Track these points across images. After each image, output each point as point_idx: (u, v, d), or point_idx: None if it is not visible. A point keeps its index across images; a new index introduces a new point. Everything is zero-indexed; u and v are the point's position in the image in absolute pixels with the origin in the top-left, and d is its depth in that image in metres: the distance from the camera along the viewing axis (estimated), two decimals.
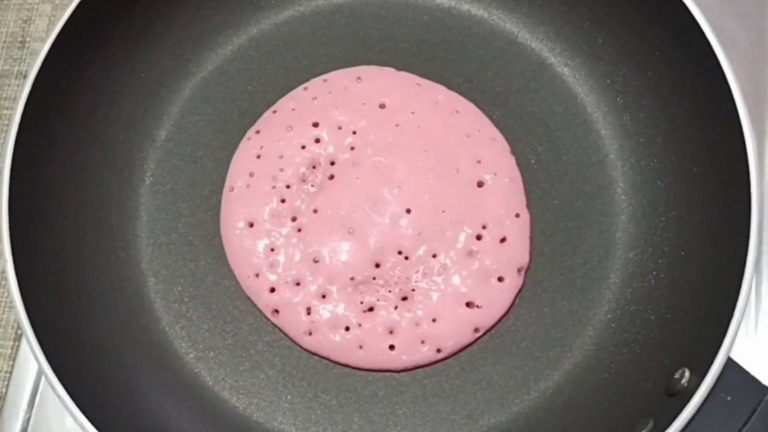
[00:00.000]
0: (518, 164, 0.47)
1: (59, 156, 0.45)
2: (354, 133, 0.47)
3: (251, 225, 0.46)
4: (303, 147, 0.47)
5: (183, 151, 0.49)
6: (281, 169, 0.47)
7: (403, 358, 0.44)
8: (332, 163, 0.47)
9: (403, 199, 0.45)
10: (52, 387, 0.38)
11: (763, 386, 0.36)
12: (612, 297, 0.45)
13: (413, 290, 0.44)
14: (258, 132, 0.48)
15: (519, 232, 0.45)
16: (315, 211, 0.46)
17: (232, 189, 0.47)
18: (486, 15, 0.51)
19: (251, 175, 0.47)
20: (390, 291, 0.44)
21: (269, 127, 0.48)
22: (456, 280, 0.44)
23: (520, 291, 0.45)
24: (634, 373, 0.41)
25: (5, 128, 0.56)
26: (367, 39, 0.51)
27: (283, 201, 0.46)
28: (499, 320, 0.44)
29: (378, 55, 0.50)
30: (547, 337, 0.44)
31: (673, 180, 0.45)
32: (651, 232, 0.45)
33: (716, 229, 0.41)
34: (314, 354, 0.44)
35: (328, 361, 0.44)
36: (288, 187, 0.47)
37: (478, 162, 0.46)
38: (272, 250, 0.46)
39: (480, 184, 0.46)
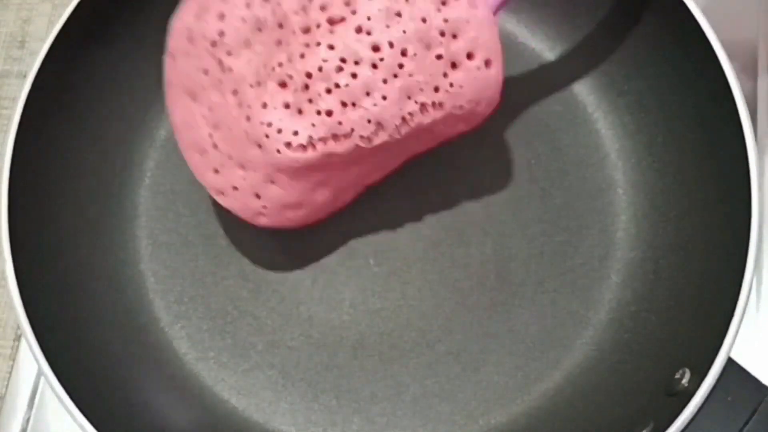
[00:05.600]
0: (518, 164, 0.47)
1: (59, 156, 0.45)
2: None
3: (194, 96, 0.41)
4: (247, 5, 0.39)
5: None
6: (221, 32, 0.40)
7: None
8: (280, 26, 0.39)
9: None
10: (52, 387, 0.38)
11: (764, 386, 0.36)
12: (612, 297, 0.45)
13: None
14: None
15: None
16: (259, 84, 0.39)
17: (173, 57, 0.41)
18: None
19: (190, 40, 0.40)
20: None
21: None
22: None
23: None
24: (634, 373, 0.41)
25: (5, 128, 0.56)
26: None
27: (223, 71, 0.40)
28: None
29: None
30: (547, 337, 0.44)
31: (673, 180, 0.45)
32: (651, 232, 0.45)
33: (716, 229, 0.41)
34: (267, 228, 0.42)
35: (328, 361, 0.44)
36: (229, 54, 0.40)
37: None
38: (215, 126, 0.41)
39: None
